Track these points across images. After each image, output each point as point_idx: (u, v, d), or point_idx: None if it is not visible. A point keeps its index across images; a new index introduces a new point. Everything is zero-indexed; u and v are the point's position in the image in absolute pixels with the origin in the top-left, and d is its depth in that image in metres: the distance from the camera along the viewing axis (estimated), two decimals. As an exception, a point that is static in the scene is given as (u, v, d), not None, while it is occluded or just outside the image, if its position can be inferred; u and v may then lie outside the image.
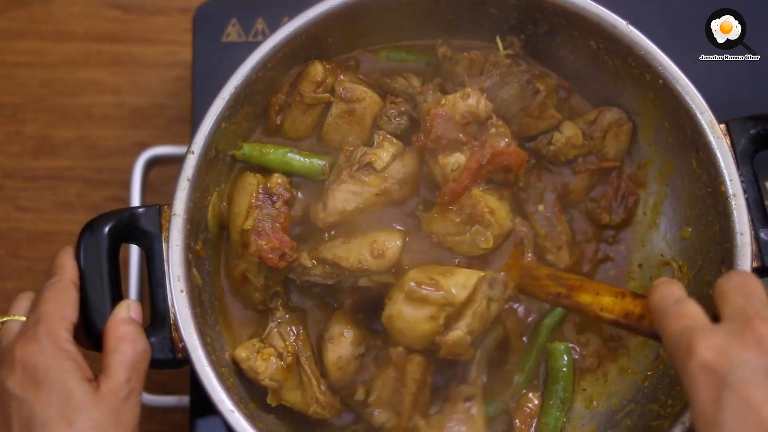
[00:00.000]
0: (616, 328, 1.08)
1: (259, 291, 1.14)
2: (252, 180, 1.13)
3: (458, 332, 1.05)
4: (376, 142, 1.12)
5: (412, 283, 1.05)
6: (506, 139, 1.10)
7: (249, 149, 1.16)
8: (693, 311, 0.86)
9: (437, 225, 1.11)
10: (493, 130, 1.10)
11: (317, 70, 1.16)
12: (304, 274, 1.12)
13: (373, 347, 1.13)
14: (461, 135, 1.09)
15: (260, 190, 1.12)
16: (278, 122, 1.18)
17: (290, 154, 1.17)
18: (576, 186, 1.20)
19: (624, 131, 1.19)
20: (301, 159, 1.17)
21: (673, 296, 0.89)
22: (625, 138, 1.19)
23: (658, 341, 0.96)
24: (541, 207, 1.18)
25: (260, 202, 1.12)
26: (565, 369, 1.16)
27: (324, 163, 1.16)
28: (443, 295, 1.04)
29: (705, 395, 0.79)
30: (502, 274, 1.07)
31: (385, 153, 1.11)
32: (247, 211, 1.12)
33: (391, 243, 1.10)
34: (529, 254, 1.12)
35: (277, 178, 1.14)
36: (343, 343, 1.11)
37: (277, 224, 1.11)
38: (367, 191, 1.11)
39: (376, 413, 1.09)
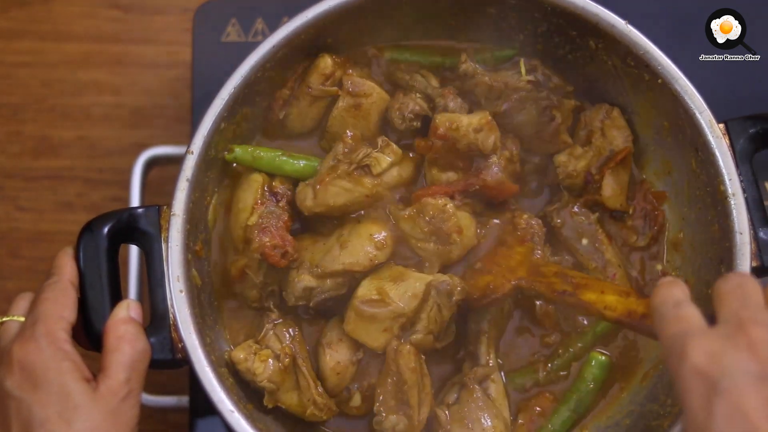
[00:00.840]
0: (618, 326, 1.07)
1: (256, 288, 1.14)
2: (258, 178, 1.14)
3: (418, 335, 1.08)
4: (379, 146, 1.12)
5: (359, 304, 1.08)
6: (500, 175, 1.11)
7: (241, 152, 1.15)
8: (690, 314, 0.84)
9: (407, 225, 1.12)
10: (493, 158, 1.11)
11: (326, 62, 1.17)
12: (316, 295, 1.11)
13: (368, 354, 1.13)
14: (459, 162, 1.12)
15: (265, 189, 1.14)
16: (281, 117, 1.19)
17: (282, 157, 1.16)
18: (606, 192, 1.17)
19: (615, 117, 1.18)
20: (293, 161, 1.16)
21: (672, 299, 0.86)
22: (621, 122, 1.19)
23: (655, 339, 0.95)
24: (585, 241, 1.17)
25: (266, 200, 1.13)
26: (592, 384, 1.14)
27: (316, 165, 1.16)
28: (391, 310, 1.08)
29: (696, 400, 0.77)
30: (446, 280, 1.09)
31: (385, 159, 1.12)
32: (252, 207, 1.12)
33: (385, 233, 1.11)
34: (539, 251, 1.11)
35: (280, 178, 1.15)
36: (341, 348, 1.11)
37: (281, 223, 1.12)
38: (359, 191, 1.11)
39: (384, 418, 1.09)
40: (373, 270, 1.11)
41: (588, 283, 1.02)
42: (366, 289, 1.09)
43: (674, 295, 0.87)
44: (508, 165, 1.14)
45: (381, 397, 1.09)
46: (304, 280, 1.10)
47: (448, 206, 1.10)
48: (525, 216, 1.11)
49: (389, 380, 1.08)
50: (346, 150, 1.12)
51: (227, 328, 1.16)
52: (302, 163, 1.16)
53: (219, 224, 1.17)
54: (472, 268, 1.12)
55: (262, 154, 1.16)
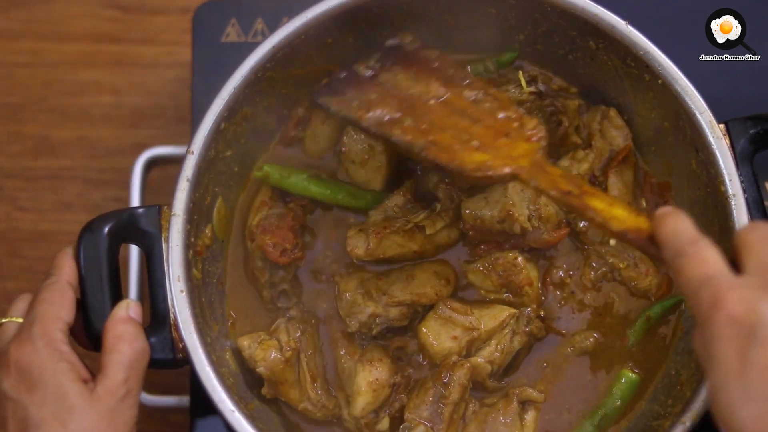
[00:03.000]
0: (620, 241, 1.06)
1: (266, 288, 1.15)
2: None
3: (479, 359, 1.10)
4: (438, 209, 1.14)
5: (444, 306, 1.11)
6: (543, 237, 1.13)
7: (270, 171, 1.16)
8: (713, 258, 0.82)
9: (477, 277, 1.15)
10: (534, 223, 1.13)
11: None
12: (382, 323, 1.12)
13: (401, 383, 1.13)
14: (500, 237, 1.14)
15: (276, 190, 1.16)
16: (293, 134, 1.21)
17: (308, 180, 1.17)
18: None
19: (612, 117, 1.19)
20: (319, 186, 1.17)
21: (687, 233, 0.84)
22: (618, 122, 1.19)
23: (661, 263, 0.94)
24: (612, 241, 1.16)
25: (274, 202, 1.16)
26: (619, 402, 1.12)
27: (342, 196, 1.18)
28: (469, 320, 1.11)
29: (731, 349, 0.76)
30: (529, 309, 1.12)
31: (440, 222, 1.14)
32: (258, 209, 1.15)
33: (449, 269, 1.16)
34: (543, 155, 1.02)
35: None
36: (381, 367, 1.11)
37: (284, 222, 1.14)
38: (409, 247, 1.14)
39: (414, 426, 1.08)
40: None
41: (597, 193, 0.95)
42: (455, 301, 1.13)
43: (688, 230, 0.85)
44: (546, 223, 1.14)
45: (414, 406, 1.09)
46: (370, 306, 1.11)
47: (518, 259, 1.13)
48: (535, 121, 1.04)
49: (432, 390, 1.09)
50: (404, 205, 1.14)
51: (240, 320, 1.17)
52: (330, 190, 1.17)
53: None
54: (459, 139, 1.03)
55: (290, 175, 1.17)
